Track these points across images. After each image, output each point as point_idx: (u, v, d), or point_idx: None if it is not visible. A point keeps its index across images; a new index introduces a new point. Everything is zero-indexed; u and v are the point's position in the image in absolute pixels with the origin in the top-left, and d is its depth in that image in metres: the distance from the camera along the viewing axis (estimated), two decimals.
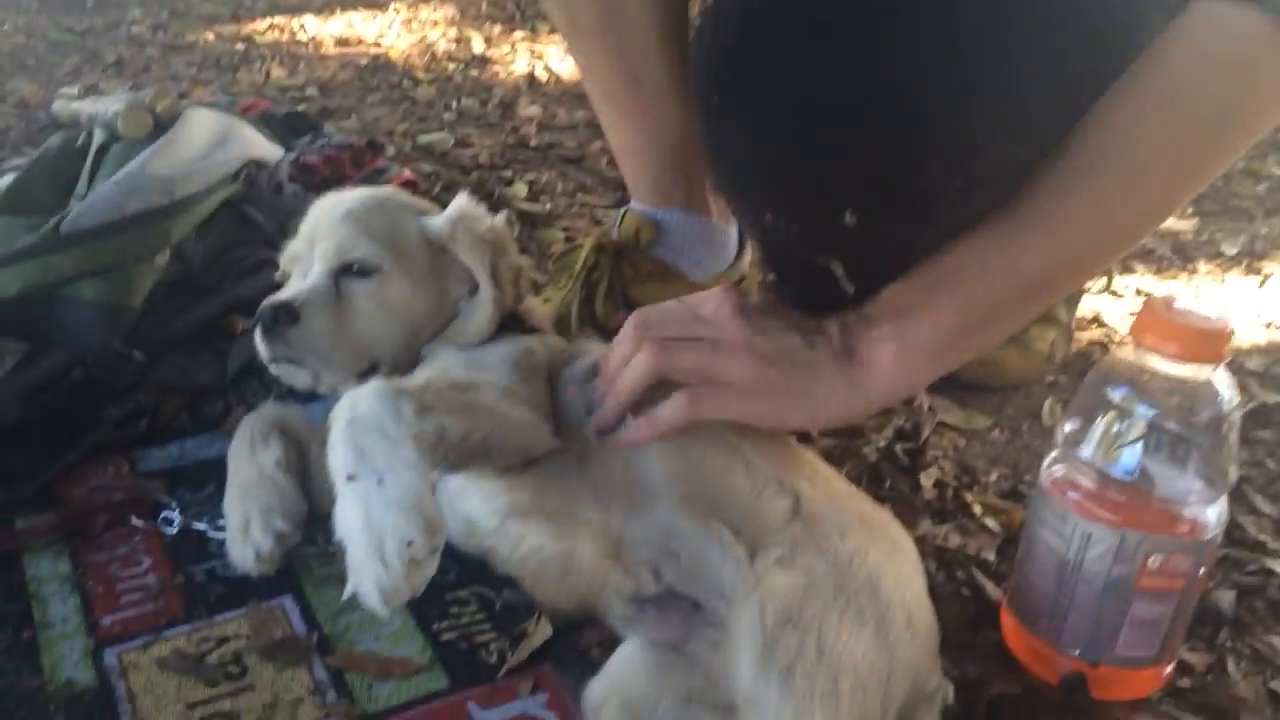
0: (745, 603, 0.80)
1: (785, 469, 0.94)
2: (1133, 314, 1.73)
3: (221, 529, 1.04)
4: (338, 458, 0.80)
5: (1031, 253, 0.93)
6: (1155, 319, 0.91)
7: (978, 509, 1.19)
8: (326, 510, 0.81)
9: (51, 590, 0.98)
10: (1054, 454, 0.99)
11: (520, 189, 2.15)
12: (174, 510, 1.08)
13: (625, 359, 0.94)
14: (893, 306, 0.95)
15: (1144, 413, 0.91)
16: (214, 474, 1.13)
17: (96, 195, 1.29)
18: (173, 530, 1.07)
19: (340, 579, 0.79)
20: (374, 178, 1.76)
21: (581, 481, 0.94)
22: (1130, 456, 0.91)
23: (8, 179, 1.44)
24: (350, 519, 0.78)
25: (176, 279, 1.36)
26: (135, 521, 1.08)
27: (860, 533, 0.88)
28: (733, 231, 1.54)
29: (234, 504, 1.03)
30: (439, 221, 1.06)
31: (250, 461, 1.05)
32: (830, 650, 0.77)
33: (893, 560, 0.88)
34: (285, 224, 1.13)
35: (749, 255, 1.58)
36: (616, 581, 0.93)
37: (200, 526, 1.07)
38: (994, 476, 1.28)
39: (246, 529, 1.01)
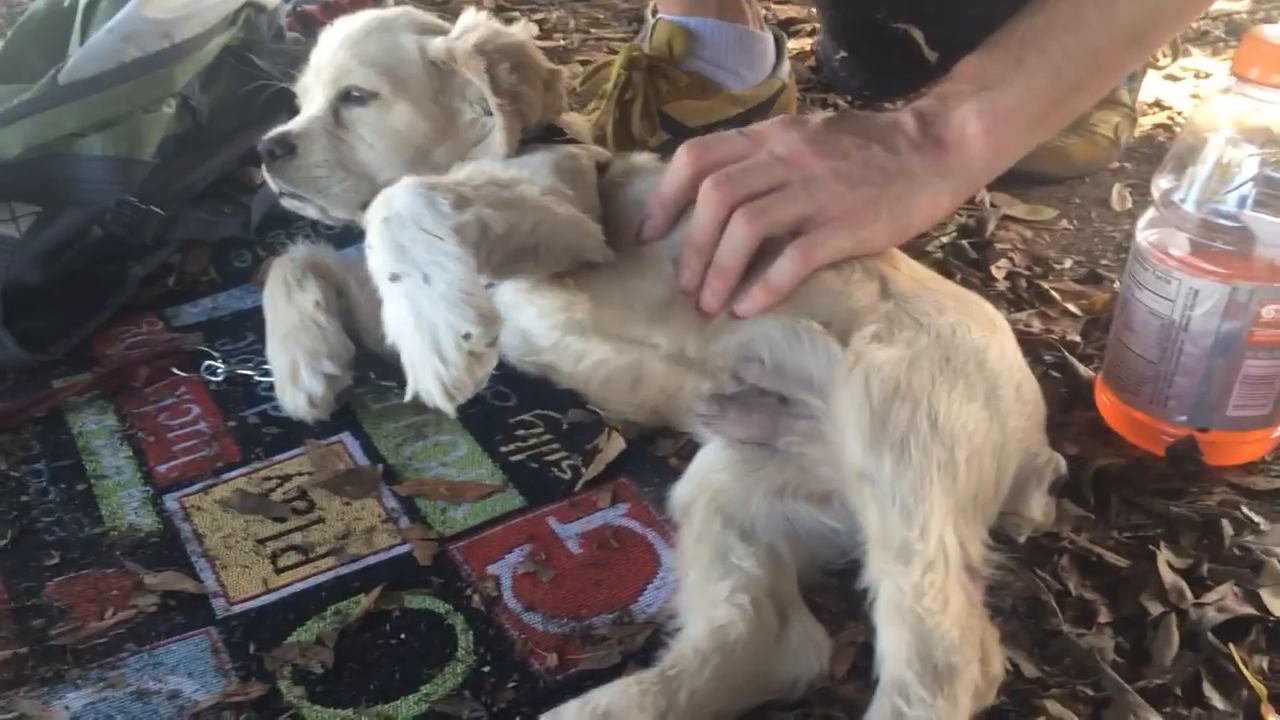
0: (847, 381, 0.74)
1: (866, 257, 0.88)
2: (1194, 95, 1.65)
3: (268, 374, 0.99)
4: (377, 259, 0.75)
5: None
6: (1259, 46, 0.83)
7: (1056, 295, 1.13)
8: (374, 349, 0.76)
9: (100, 444, 0.94)
10: (1148, 216, 0.92)
11: (529, 29, 2.03)
12: (217, 359, 1.03)
13: (714, 223, 0.85)
14: (977, 78, 0.88)
15: (1251, 151, 0.84)
16: (252, 324, 1.09)
17: (93, 43, 1.21)
18: (218, 378, 1.02)
19: (398, 411, 0.74)
20: None
21: (648, 312, 0.87)
22: (1239, 198, 0.84)
23: None
24: (400, 320, 0.73)
25: (186, 133, 1.29)
26: (177, 373, 1.03)
27: (957, 308, 0.82)
28: (769, 38, 1.44)
29: (277, 350, 0.97)
30: (439, 40, 0.99)
31: (289, 305, 0.98)
32: (943, 422, 0.71)
33: (994, 333, 0.82)
34: (289, 72, 1.08)
35: (787, 64, 1.48)
36: (693, 385, 0.88)
37: (246, 372, 1.02)
38: (1068, 264, 1.21)
39: (295, 374, 0.95)
